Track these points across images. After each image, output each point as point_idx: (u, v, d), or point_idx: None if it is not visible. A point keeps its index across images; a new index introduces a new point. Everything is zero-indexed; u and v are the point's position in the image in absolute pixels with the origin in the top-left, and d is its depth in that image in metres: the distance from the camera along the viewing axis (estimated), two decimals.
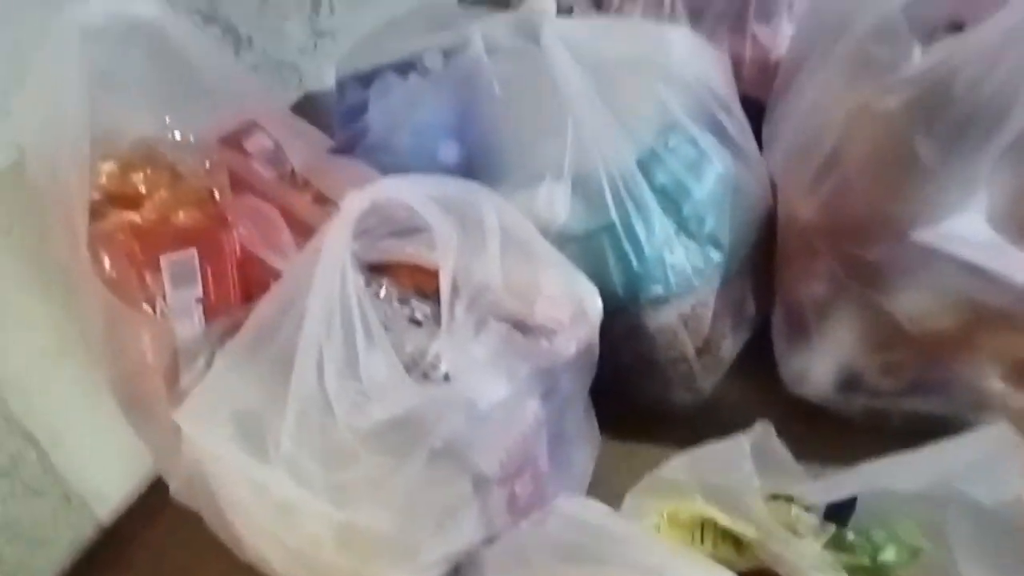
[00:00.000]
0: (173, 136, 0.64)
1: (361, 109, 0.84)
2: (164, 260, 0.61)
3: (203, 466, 0.66)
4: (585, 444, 0.76)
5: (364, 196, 0.57)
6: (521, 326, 0.62)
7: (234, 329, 0.67)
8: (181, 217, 0.63)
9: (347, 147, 0.82)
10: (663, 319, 0.79)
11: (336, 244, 0.56)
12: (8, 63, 0.62)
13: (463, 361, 0.58)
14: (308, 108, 0.88)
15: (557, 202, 0.77)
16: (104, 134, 0.62)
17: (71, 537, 0.83)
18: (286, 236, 0.67)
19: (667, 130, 0.79)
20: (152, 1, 0.60)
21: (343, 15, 0.91)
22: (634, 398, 0.85)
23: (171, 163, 0.65)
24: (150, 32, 0.61)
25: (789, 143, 0.81)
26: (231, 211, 0.64)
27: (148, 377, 0.66)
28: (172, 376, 0.66)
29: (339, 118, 0.85)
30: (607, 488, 0.78)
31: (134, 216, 0.61)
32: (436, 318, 0.64)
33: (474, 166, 0.81)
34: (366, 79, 0.85)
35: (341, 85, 0.86)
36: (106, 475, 0.85)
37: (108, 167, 0.61)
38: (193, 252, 0.63)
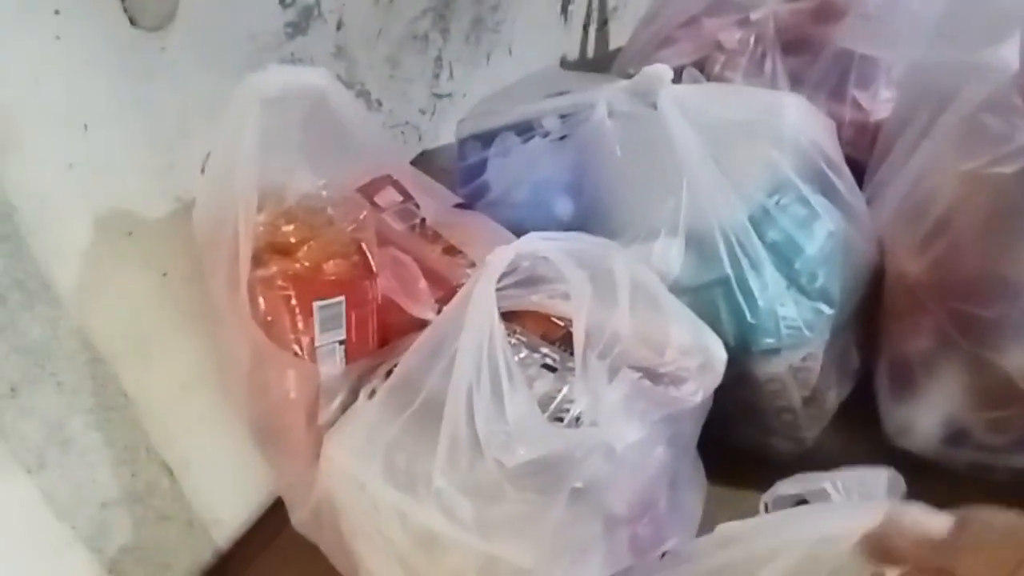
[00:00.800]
0: (324, 191, 0.69)
1: (481, 167, 0.90)
2: (316, 306, 0.66)
3: (335, 498, 0.70)
4: (696, 488, 0.79)
5: (509, 250, 0.61)
6: (651, 374, 0.65)
7: (371, 371, 0.72)
8: (331, 266, 0.68)
9: (470, 202, 0.86)
10: (773, 369, 0.81)
11: (485, 294, 0.60)
12: (176, 122, 0.68)
13: (598, 406, 0.61)
14: (425, 164, 0.94)
15: (672, 256, 0.80)
16: (265, 188, 0.67)
17: (191, 560, 0.88)
18: (422, 285, 0.72)
19: (778, 189, 0.82)
20: (322, 72, 0.65)
21: (460, 80, 0.97)
22: (738, 444, 0.87)
23: (323, 216, 0.70)
24: (309, 96, 0.66)
25: (898, 204, 0.84)
26: (376, 262, 0.69)
27: (289, 412, 0.70)
28: (312, 412, 0.71)
29: (460, 175, 0.90)
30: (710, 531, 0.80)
31: (291, 264, 0.66)
32: (564, 363, 0.68)
33: (588, 221, 0.85)
34: (486, 139, 0.90)
35: (462, 144, 0.92)
36: (225, 502, 0.89)
37: (266, 218, 0.66)
38: (342, 299, 0.68)
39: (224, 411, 0.84)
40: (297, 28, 0.76)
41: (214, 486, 0.87)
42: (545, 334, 0.71)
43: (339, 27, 0.80)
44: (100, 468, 0.74)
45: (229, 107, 0.62)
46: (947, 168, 0.78)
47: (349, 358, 0.70)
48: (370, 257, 0.69)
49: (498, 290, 0.68)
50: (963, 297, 0.78)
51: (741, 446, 0.89)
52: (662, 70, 0.82)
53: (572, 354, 0.66)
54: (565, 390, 0.65)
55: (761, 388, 0.82)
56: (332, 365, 0.69)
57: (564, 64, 1.16)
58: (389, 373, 0.67)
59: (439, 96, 0.96)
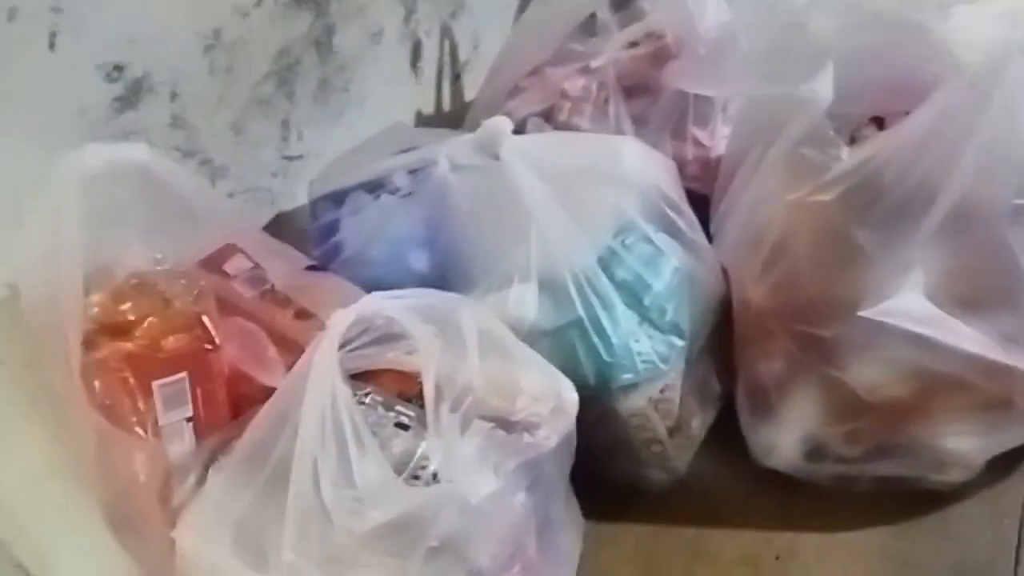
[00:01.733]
0: (160, 265, 0.67)
1: (334, 227, 0.89)
2: (156, 386, 0.64)
3: None
4: (570, 528, 0.79)
5: (349, 312, 0.61)
6: (504, 423, 0.66)
7: (224, 446, 0.69)
8: (171, 342, 0.66)
9: (323, 262, 0.86)
10: (634, 403, 0.83)
11: (325, 359, 0.59)
12: (7, 204, 0.66)
13: (452, 460, 0.61)
14: (281, 227, 0.93)
15: (526, 302, 0.82)
16: (95, 268, 0.65)
17: None
18: (272, 352, 0.70)
19: (623, 230, 0.85)
20: (142, 147, 0.64)
21: (312, 141, 0.97)
22: (611, 479, 0.89)
23: (160, 291, 0.68)
24: (136, 171, 0.64)
25: (737, 235, 0.88)
26: (219, 333, 0.67)
27: (141, 496, 0.68)
28: (165, 494, 0.68)
29: (314, 235, 0.90)
30: (595, 568, 0.81)
31: (126, 344, 0.64)
32: (421, 420, 0.67)
33: (445, 273, 0.86)
34: (338, 198, 0.90)
35: (314, 205, 0.91)
36: None
37: (99, 299, 0.64)
38: (184, 376, 0.66)
39: (79, 504, 0.80)
40: (127, 103, 0.75)
41: None
42: (402, 391, 0.71)
43: (173, 98, 0.79)
44: None
45: (47, 187, 0.60)
46: (777, 198, 0.82)
47: (200, 434, 0.68)
48: (211, 329, 0.67)
49: (351, 350, 0.68)
50: (803, 319, 0.82)
51: (617, 481, 0.90)
52: (502, 122, 0.84)
53: None
54: (422, 447, 0.65)
55: (626, 423, 0.84)
56: (180, 443, 0.67)
57: (421, 118, 1.17)
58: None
59: (290, 158, 0.96)
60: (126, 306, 0.68)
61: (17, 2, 0.64)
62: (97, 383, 0.64)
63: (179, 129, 0.80)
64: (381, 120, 1.09)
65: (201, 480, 0.69)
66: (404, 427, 0.66)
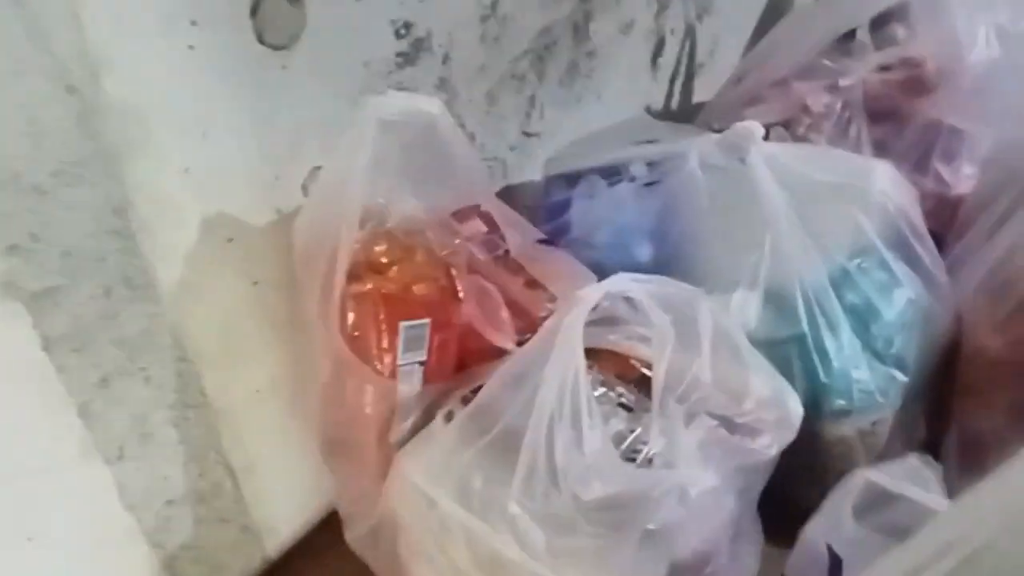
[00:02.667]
0: (422, 214, 0.71)
1: (564, 206, 0.91)
2: (402, 326, 0.68)
3: (401, 515, 0.71)
4: (754, 543, 0.78)
5: (601, 288, 0.62)
6: (728, 423, 0.66)
7: (445, 395, 0.73)
8: (420, 288, 0.69)
9: (551, 239, 0.88)
10: (841, 432, 0.81)
11: (574, 329, 0.61)
12: (288, 138, 0.71)
13: (674, 449, 0.62)
14: (507, 198, 0.95)
15: (749, 309, 0.81)
16: (368, 208, 0.69)
17: (242, 565, 0.88)
18: (504, 314, 0.73)
19: (861, 253, 0.82)
20: (436, 101, 0.68)
21: (550, 120, 0.99)
22: (796, 503, 0.86)
23: (416, 239, 0.72)
24: (423, 123, 0.68)
25: (979, 280, 0.84)
26: (462, 288, 0.70)
27: (363, 426, 0.72)
28: (385, 429, 0.72)
29: (544, 212, 0.92)
30: None
31: (384, 282, 0.68)
32: (640, 404, 0.68)
33: (667, 268, 0.86)
34: (571, 180, 0.92)
35: (548, 182, 0.94)
36: (281, 512, 0.90)
37: (366, 237, 0.68)
38: (427, 321, 0.69)
39: (292, 422, 0.86)
40: (407, 59, 0.79)
41: (273, 495, 0.88)
42: (620, 374, 0.72)
43: (445, 60, 0.83)
44: (172, 465, 0.76)
45: (349, 126, 0.64)
46: None
47: (427, 379, 0.72)
48: (457, 283, 0.70)
49: None
50: None
51: (802, 506, 0.87)
52: (754, 127, 0.83)
53: (647, 396, 0.67)
54: (638, 431, 0.65)
55: (828, 450, 0.82)
56: (410, 385, 0.70)
57: (649, 113, 1.18)
58: (465, 399, 0.68)
59: (528, 135, 0.99)
60: (384, 247, 0.71)
61: None
62: (352, 314, 0.68)
63: (443, 91, 0.84)
64: (613, 109, 1.11)
65: (418, 424, 0.72)
66: (627, 408, 0.67)
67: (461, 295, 0.71)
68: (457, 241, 0.71)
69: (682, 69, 1.19)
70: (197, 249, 0.70)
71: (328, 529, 0.93)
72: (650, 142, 0.91)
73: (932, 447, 0.90)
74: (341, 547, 0.87)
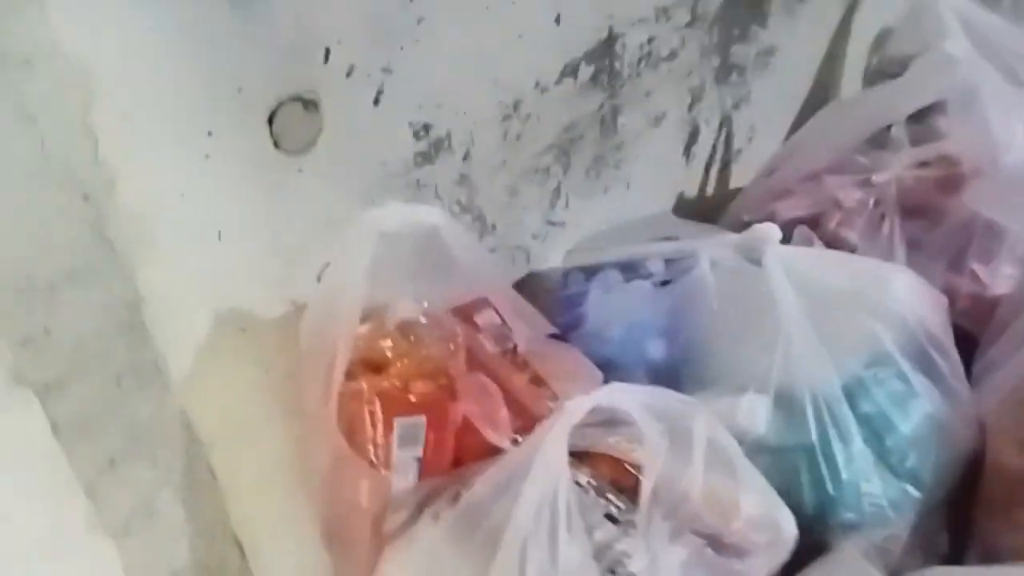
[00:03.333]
0: (424, 313, 0.73)
1: (581, 298, 0.92)
2: (397, 423, 0.69)
3: None
4: None
5: (587, 401, 0.63)
6: (715, 542, 0.65)
7: (438, 491, 0.73)
8: (419, 386, 0.71)
9: (564, 330, 0.89)
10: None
11: (555, 443, 0.61)
12: (300, 237, 0.74)
13: (656, 567, 0.61)
14: (532, 283, 0.97)
15: (758, 414, 0.80)
16: (369, 307, 0.71)
17: None
18: (503, 414, 0.73)
19: (876, 362, 0.81)
20: (437, 211, 0.70)
21: (575, 210, 1.00)
22: None
23: (418, 337, 0.73)
24: (426, 231, 0.70)
25: (1007, 392, 0.81)
26: (461, 386, 0.72)
27: (358, 520, 0.73)
28: (379, 523, 0.73)
29: (561, 303, 0.93)
30: None
31: (380, 380, 0.69)
32: (628, 516, 0.68)
33: (679, 367, 0.86)
34: (590, 272, 0.93)
35: (567, 274, 0.95)
36: None
37: (365, 334, 0.70)
38: (422, 419, 0.70)
39: (298, 503, 0.87)
40: (426, 157, 0.81)
41: (281, 572, 0.89)
42: (615, 480, 0.71)
43: (465, 158, 0.85)
44: (179, 540, 0.78)
45: (349, 234, 0.67)
46: None
47: (423, 473, 0.73)
48: (455, 382, 0.72)
49: (576, 427, 0.70)
50: None
51: None
52: (771, 230, 0.83)
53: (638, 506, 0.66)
54: (624, 544, 0.65)
55: None
56: (405, 479, 0.72)
57: (682, 201, 1.18)
58: (455, 498, 0.68)
59: (552, 224, 1.00)
60: (386, 344, 0.73)
61: (356, 60, 0.72)
62: (347, 409, 0.70)
63: (463, 186, 0.86)
64: (644, 198, 1.11)
65: (413, 517, 0.73)
66: (613, 519, 0.67)
67: (458, 395, 0.72)
68: (458, 339, 0.72)
69: (718, 157, 1.19)
70: (209, 340, 0.73)
71: None
72: (669, 239, 0.91)
73: (957, 560, 0.87)
74: None
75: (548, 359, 0.80)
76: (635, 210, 1.10)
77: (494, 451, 0.73)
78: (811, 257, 0.83)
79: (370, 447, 0.70)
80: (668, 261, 0.89)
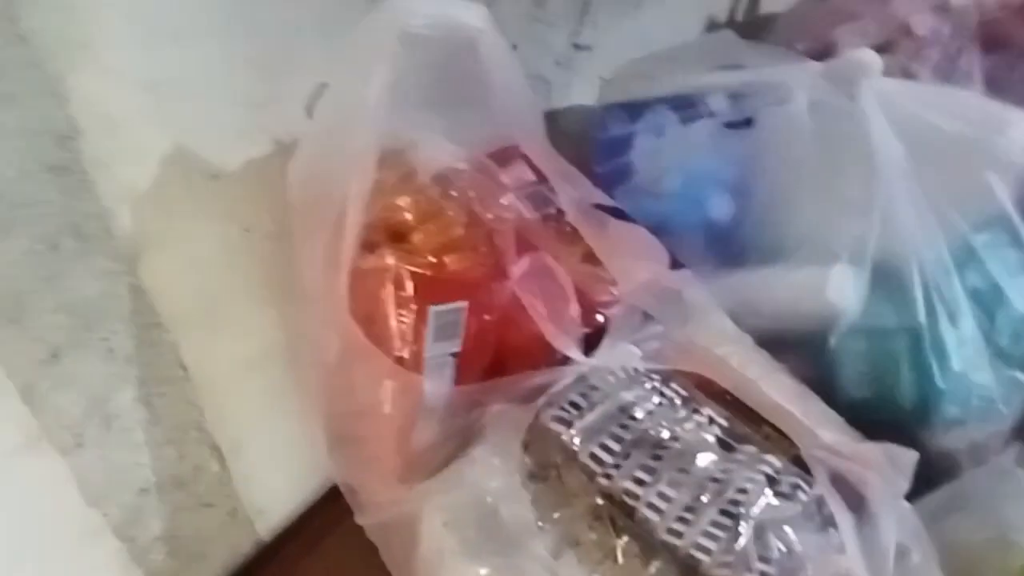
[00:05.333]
0: (455, 161, 0.55)
1: (625, 143, 0.75)
2: (432, 311, 0.52)
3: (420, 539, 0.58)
4: None
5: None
6: None
7: (478, 401, 0.58)
8: (455, 260, 0.54)
9: (606, 185, 0.72)
10: (950, 444, 0.67)
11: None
12: (285, 43, 0.54)
13: None
14: (554, 126, 0.79)
15: (849, 289, 0.66)
16: (385, 149, 0.53)
17: (229, 552, 0.76)
18: (574, 310, 0.57)
19: (990, 225, 0.67)
20: (480, 12, 0.50)
21: (605, 30, 0.82)
22: None
23: (450, 192, 0.56)
24: (461, 39, 0.51)
25: None
26: (515, 265, 0.55)
27: (378, 426, 0.58)
28: (406, 431, 0.58)
29: (599, 148, 0.75)
30: None
31: (408, 255, 0.52)
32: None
33: (749, 229, 0.71)
34: (634, 110, 0.75)
35: (605, 112, 0.77)
36: (275, 492, 0.78)
37: (385, 189, 0.52)
38: (463, 305, 0.54)
39: (288, 394, 0.72)
40: None
41: (265, 473, 0.75)
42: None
43: None
44: (143, 449, 0.62)
45: (358, 35, 0.48)
46: None
47: (459, 375, 0.57)
48: (505, 253, 0.55)
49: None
50: None
51: None
52: (870, 58, 0.66)
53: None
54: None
55: (929, 463, 0.68)
56: (440, 381, 0.56)
57: (711, 24, 0.99)
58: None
59: (578, 47, 0.81)
60: (406, 203, 0.55)
61: None
62: (364, 290, 0.53)
63: None
64: (674, 18, 0.93)
65: (447, 429, 0.58)
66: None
67: (509, 272, 0.55)
68: (505, 198, 0.55)
69: None
70: (170, 189, 0.54)
71: (326, 512, 0.80)
72: (733, 67, 0.73)
73: None
74: (340, 531, 0.74)
75: (600, 230, 0.63)
76: (666, 34, 0.91)
77: (547, 355, 0.57)
78: (915, 93, 0.68)
79: (396, 340, 0.53)
80: (735, 96, 0.72)
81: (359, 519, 0.69)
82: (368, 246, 0.52)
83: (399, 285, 0.51)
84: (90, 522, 0.61)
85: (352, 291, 0.53)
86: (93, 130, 0.48)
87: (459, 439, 0.58)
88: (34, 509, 0.56)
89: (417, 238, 0.53)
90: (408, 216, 0.55)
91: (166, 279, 0.57)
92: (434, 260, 0.52)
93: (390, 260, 0.50)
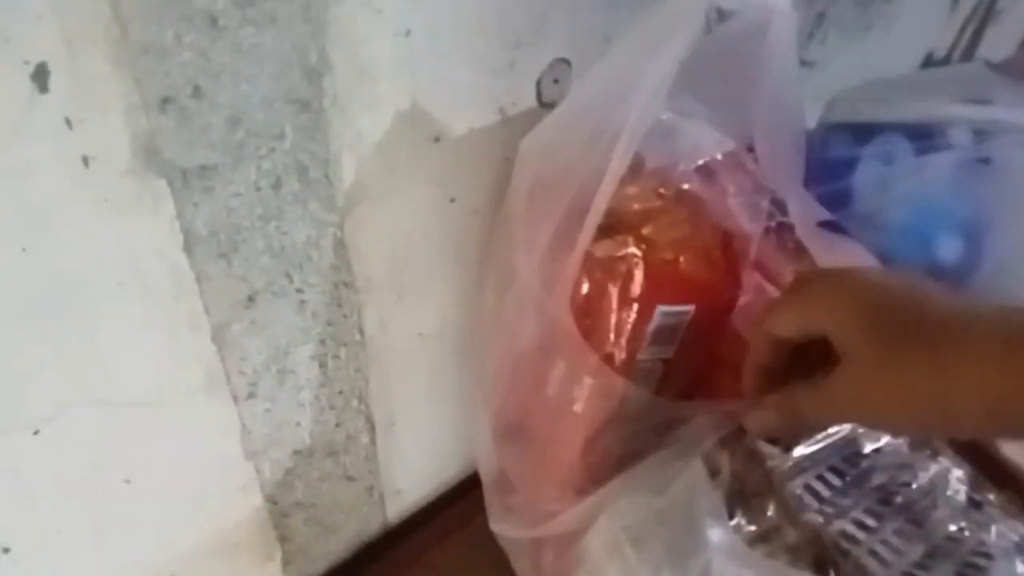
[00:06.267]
0: (727, 152, 0.50)
1: (847, 167, 0.69)
2: (660, 310, 0.48)
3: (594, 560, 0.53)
4: None
5: None
6: None
7: (677, 414, 0.53)
8: (688, 260, 0.49)
9: (827, 206, 0.66)
10: None
11: None
12: (538, 10, 0.51)
13: None
14: None
15: None
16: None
17: (358, 530, 0.74)
18: None
19: None
20: None
21: (833, 48, 0.76)
22: None
23: (687, 187, 0.51)
24: (756, 24, 0.47)
25: None
26: (747, 275, 0.50)
27: (565, 426, 0.53)
28: (595, 436, 0.53)
29: (819, 169, 0.69)
30: None
31: (648, 249, 0.48)
32: None
33: (979, 277, 0.64)
34: (861, 133, 0.69)
35: (829, 132, 0.71)
36: (410, 473, 0.75)
37: (649, 172, 0.47)
38: (691, 308, 0.49)
39: (449, 375, 0.68)
40: None
41: (408, 454, 0.72)
42: None
43: None
44: (307, 410, 0.59)
45: (664, 3, 0.43)
46: None
47: (663, 384, 0.52)
48: (741, 261, 0.50)
49: None
50: None
51: None
52: None
53: None
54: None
55: None
56: (644, 387, 0.51)
57: (930, 58, 0.93)
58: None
59: (803, 62, 0.76)
60: (634, 191, 0.51)
61: None
62: (591, 277, 0.48)
63: None
64: (899, 47, 0.87)
65: (641, 437, 0.53)
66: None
67: (742, 279, 0.50)
68: (764, 199, 0.50)
69: (980, 12, 0.93)
70: (394, 144, 0.51)
71: (459, 505, 0.76)
72: (981, 101, 0.67)
73: None
74: (472, 527, 0.70)
75: (825, 253, 0.58)
76: (889, 62, 0.85)
77: None
78: None
79: (611, 335, 0.49)
80: (979, 132, 0.65)
81: (495, 525, 0.65)
82: (608, 230, 0.47)
83: (630, 277, 0.46)
84: (244, 475, 0.59)
85: (579, 278, 0.48)
86: (342, 69, 0.45)
87: (643, 454, 0.54)
88: (196, 451, 0.54)
89: (648, 231, 0.49)
90: (637, 206, 0.50)
91: (367, 238, 0.54)
92: (669, 257, 0.47)
93: (631, 248, 0.46)
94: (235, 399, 0.54)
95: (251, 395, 0.54)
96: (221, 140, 0.42)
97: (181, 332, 0.48)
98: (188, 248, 0.45)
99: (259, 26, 0.40)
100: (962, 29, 0.94)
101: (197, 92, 0.40)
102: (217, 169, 0.43)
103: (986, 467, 0.49)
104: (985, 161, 0.63)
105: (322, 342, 0.57)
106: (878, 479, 0.47)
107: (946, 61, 0.96)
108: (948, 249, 0.65)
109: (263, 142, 0.44)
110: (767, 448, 0.48)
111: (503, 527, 0.64)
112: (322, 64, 0.44)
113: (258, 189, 0.46)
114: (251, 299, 0.50)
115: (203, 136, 0.42)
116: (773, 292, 0.53)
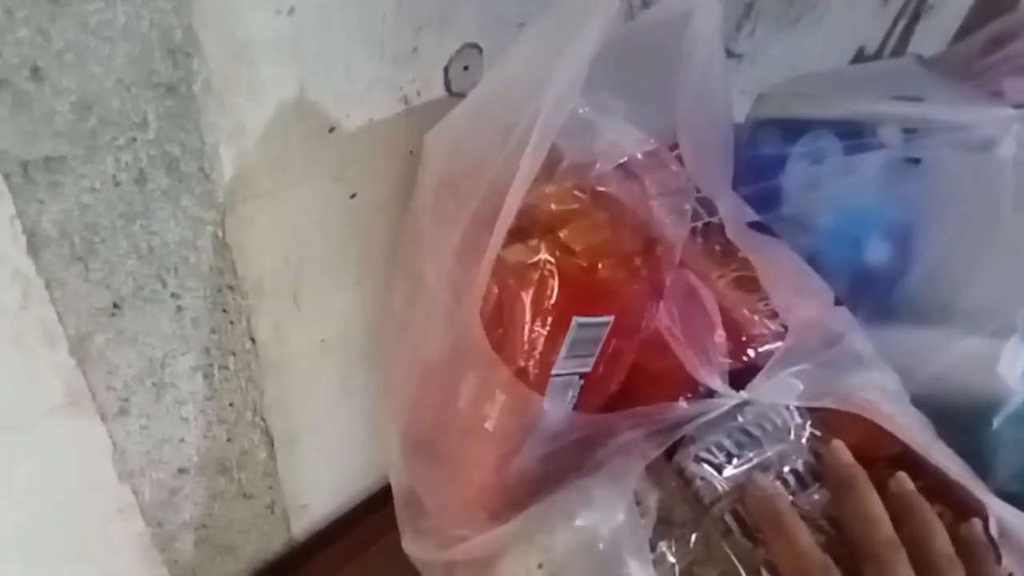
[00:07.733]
0: (649, 149, 0.46)
1: (776, 165, 0.66)
2: (576, 322, 0.44)
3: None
4: None
5: None
6: None
7: (599, 437, 0.49)
8: (607, 268, 0.45)
9: (757, 207, 0.63)
10: None
11: None
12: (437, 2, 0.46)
13: None
14: None
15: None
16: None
17: (258, 550, 0.69)
18: (719, 338, 0.48)
19: None
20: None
21: (761, 40, 0.73)
22: None
23: (607, 188, 0.47)
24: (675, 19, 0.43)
25: None
26: (669, 279, 0.46)
27: (477, 443, 0.49)
28: (507, 453, 0.49)
29: (746, 168, 0.66)
30: None
31: (563, 253, 0.43)
32: None
33: (909, 285, 0.62)
34: (790, 131, 0.66)
35: (757, 128, 0.68)
36: (316, 487, 0.70)
37: (566, 169, 0.43)
38: (609, 320, 0.45)
39: (356, 386, 0.64)
40: None
41: (314, 469, 0.67)
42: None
43: None
44: (192, 425, 0.54)
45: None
46: None
47: (581, 400, 0.48)
48: (665, 269, 0.46)
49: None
50: None
51: None
52: None
53: None
54: None
55: None
56: (560, 403, 0.47)
57: (860, 55, 0.91)
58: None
59: (731, 54, 0.72)
60: (551, 191, 0.47)
61: None
62: (503, 288, 0.44)
63: None
64: (829, 41, 0.84)
65: (559, 459, 0.49)
66: None
67: (665, 289, 0.46)
68: (687, 200, 0.46)
69: (910, 8, 0.91)
70: (281, 134, 0.45)
71: (374, 518, 0.72)
72: (912, 99, 0.64)
73: None
74: (386, 542, 0.66)
75: (757, 255, 0.55)
76: (819, 56, 0.82)
77: (680, 388, 0.49)
78: None
79: (524, 347, 0.44)
80: (909, 131, 0.62)
81: (408, 546, 0.61)
82: (520, 235, 0.43)
83: (544, 285, 0.42)
84: (119, 499, 0.53)
85: (490, 286, 0.44)
86: (214, 50, 0.40)
87: (563, 477, 0.50)
88: (62, 475, 0.49)
89: (565, 235, 0.44)
90: (554, 207, 0.46)
91: (254, 237, 0.49)
92: (586, 264, 0.43)
93: (544, 255, 0.41)
94: (103, 417, 0.48)
95: (122, 412, 0.49)
96: (69, 129, 0.37)
97: (34, 345, 0.42)
98: (34, 251, 0.39)
99: (107, 0, 0.35)
100: (894, 23, 0.93)
101: (36, 75, 0.35)
102: (66, 161, 0.37)
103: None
104: (915, 161, 0.60)
105: (206, 351, 0.51)
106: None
107: (878, 56, 0.94)
108: (877, 251, 0.62)
109: (121, 131, 0.39)
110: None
111: (414, 548, 0.60)
112: (189, 44, 0.39)
113: (117, 184, 0.40)
114: (117, 307, 0.44)
115: (46, 124, 0.36)
116: (709, 301, 0.49)
